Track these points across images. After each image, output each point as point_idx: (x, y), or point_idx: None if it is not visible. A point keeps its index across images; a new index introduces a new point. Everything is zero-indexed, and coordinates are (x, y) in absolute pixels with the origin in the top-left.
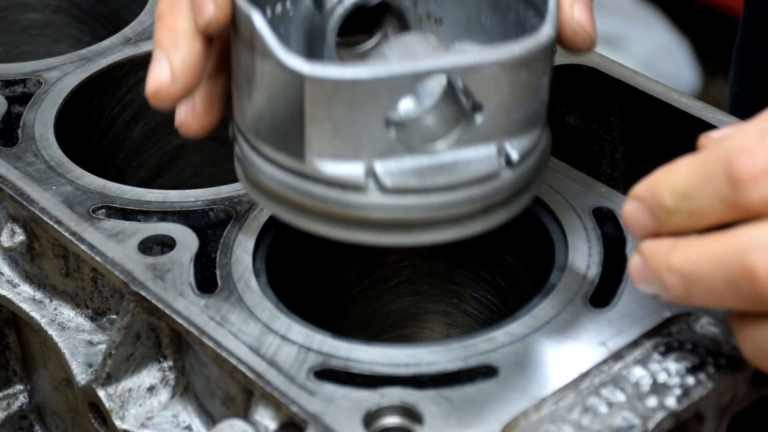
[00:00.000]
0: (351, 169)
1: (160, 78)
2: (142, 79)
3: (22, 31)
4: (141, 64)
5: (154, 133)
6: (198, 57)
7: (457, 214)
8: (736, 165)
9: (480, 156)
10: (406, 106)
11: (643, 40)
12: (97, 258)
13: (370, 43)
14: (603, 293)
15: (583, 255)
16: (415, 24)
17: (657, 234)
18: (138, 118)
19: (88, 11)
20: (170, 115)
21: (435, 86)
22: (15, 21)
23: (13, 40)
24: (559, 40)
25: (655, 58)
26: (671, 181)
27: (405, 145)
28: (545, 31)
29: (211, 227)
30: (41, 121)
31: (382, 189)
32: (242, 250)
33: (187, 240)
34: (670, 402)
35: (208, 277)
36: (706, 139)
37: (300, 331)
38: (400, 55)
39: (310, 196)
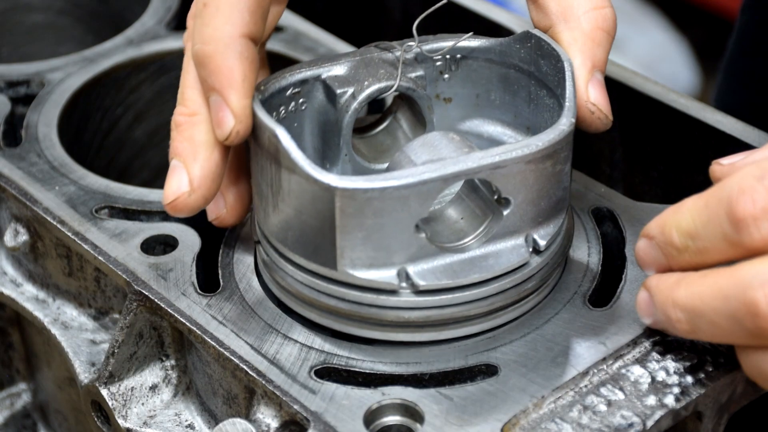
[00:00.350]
0: (384, 274)
1: (179, 188)
2: (145, 80)
3: (26, 33)
4: (143, 65)
5: (157, 134)
6: (217, 168)
7: (489, 307)
8: (737, 206)
9: (509, 247)
10: (435, 207)
11: (641, 42)
12: (100, 258)
13: (381, 126)
14: (602, 293)
15: (582, 254)
16: (425, 107)
17: (669, 269)
18: (140, 119)
19: (91, 13)
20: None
21: (463, 185)
22: (19, 22)
23: (17, 41)
24: (577, 121)
25: (654, 59)
26: (678, 221)
27: (436, 245)
28: (566, 122)
29: (213, 227)
30: (44, 121)
31: (416, 290)
32: (244, 250)
33: (189, 240)
34: (669, 400)
35: (210, 276)
36: (717, 167)
37: (301, 331)
38: (425, 157)
39: (342, 301)
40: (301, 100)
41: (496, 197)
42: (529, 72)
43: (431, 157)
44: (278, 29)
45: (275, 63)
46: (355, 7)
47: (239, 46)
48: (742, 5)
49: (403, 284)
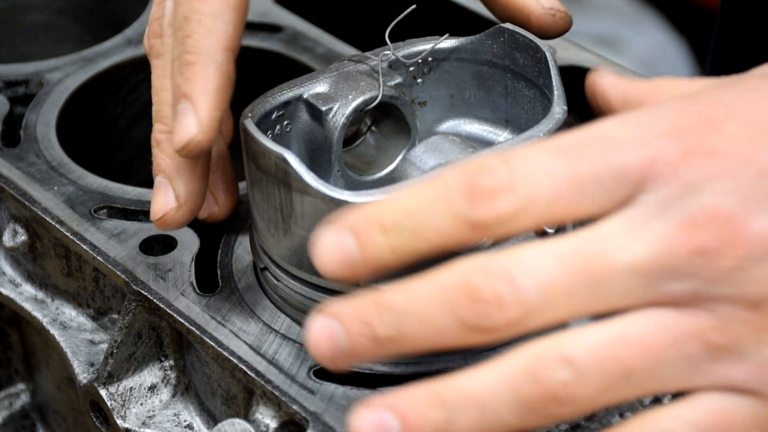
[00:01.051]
0: None
1: (166, 205)
2: (144, 80)
3: (25, 33)
4: (142, 64)
5: None
6: (201, 181)
7: None
8: (477, 178)
9: (520, 241)
10: None
11: (640, 42)
12: (99, 258)
13: (360, 139)
14: None
15: None
16: (408, 113)
17: (352, 267)
18: (139, 119)
19: (90, 12)
20: None
21: None
22: (17, 22)
23: (16, 41)
24: (541, 32)
25: (653, 59)
26: (394, 202)
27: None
28: (559, 110)
29: (212, 227)
30: (43, 121)
31: None
32: (243, 250)
33: (188, 240)
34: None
35: (209, 276)
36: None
37: (300, 331)
38: (432, 163)
39: None
40: (285, 122)
41: None
42: (504, 66)
43: (439, 162)
44: (277, 29)
45: (275, 63)
46: (355, 7)
47: (220, 58)
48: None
49: None
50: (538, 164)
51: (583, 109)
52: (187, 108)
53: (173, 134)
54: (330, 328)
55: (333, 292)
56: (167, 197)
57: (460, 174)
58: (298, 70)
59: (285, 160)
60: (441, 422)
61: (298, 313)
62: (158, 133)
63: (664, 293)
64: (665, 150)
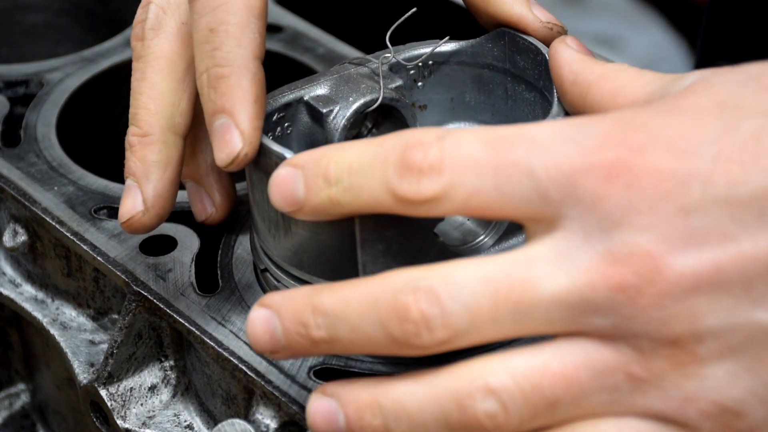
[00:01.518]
0: None
1: (133, 208)
2: None
3: (25, 33)
4: None
5: None
6: (170, 186)
7: None
8: (410, 152)
9: (523, 241)
10: None
11: (640, 41)
12: (99, 258)
13: (360, 139)
14: None
15: None
16: (409, 116)
17: (298, 206)
18: None
19: (90, 13)
20: None
21: None
22: (17, 22)
23: (16, 41)
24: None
25: (653, 59)
26: (342, 153)
27: (453, 249)
28: (558, 111)
29: (212, 227)
30: (43, 121)
31: None
32: (243, 250)
33: (188, 240)
34: None
35: (209, 277)
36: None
37: None
38: None
39: None
40: (286, 124)
41: None
42: (505, 69)
43: None
44: (277, 29)
45: (275, 63)
46: (356, 8)
47: (253, 68)
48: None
49: None
50: (468, 152)
51: None
52: (228, 123)
53: (216, 151)
54: (269, 322)
55: None
56: (135, 200)
57: (398, 142)
58: (298, 70)
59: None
60: (379, 428)
61: None
62: (132, 135)
63: (588, 325)
64: (587, 176)
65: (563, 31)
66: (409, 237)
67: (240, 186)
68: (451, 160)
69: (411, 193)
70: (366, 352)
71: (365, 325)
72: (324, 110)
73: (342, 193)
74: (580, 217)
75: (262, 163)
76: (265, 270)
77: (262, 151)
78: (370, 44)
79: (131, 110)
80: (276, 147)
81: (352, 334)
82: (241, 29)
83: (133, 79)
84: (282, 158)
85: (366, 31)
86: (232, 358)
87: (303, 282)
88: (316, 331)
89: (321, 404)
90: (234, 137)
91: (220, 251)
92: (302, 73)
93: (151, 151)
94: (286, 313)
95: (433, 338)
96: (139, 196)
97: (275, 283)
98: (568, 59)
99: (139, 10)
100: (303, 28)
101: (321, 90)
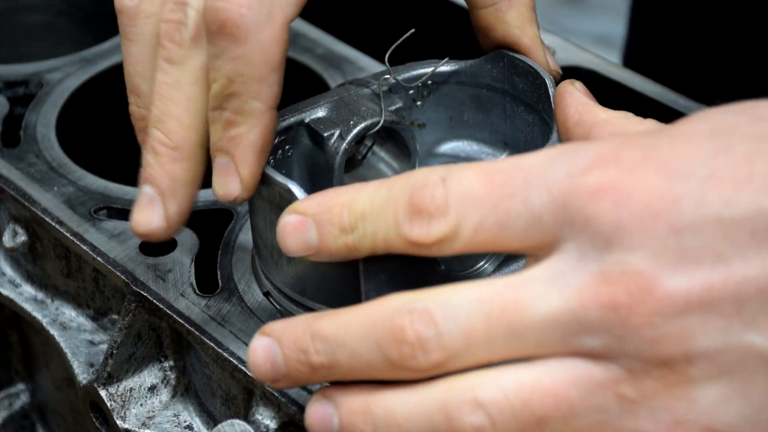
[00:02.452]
0: None
1: (153, 221)
2: None
3: (25, 33)
4: None
5: None
6: (190, 204)
7: None
8: (418, 195)
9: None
10: None
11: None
12: (99, 258)
13: (360, 163)
14: None
15: None
16: (409, 137)
17: (316, 252)
18: None
19: (91, 13)
20: None
21: None
22: (17, 23)
23: (16, 41)
24: None
25: None
26: (353, 198)
27: (453, 275)
28: (556, 138)
29: (212, 228)
30: (43, 122)
31: None
32: (243, 251)
33: (188, 241)
34: None
35: (209, 277)
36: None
37: None
38: None
39: None
40: (287, 147)
41: None
42: (503, 90)
43: None
44: None
45: None
46: (356, 8)
47: (266, 120)
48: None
49: None
50: (469, 188)
51: None
52: (230, 165)
53: (215, 187)
54: (270, 350)
55: None
56: (156, 214)
57: (406, 185)
58: (298, 70)
59: (290, 191)
60: None
61: None
62: (159, 144)
63: (580, 345)
64: (576, 196)
65: (559, 74)
66: (412, 266)
67: None
68: (454, 199)
69: (422, 236)
70: (364, 377)
71: (363, 349)
72: (325, 134)
73: (358, 240)
74: (574, 238)
75: (265, 192)
76: (268, 293)
77: (265, 179)
78: (370, 44)
79: (158, 115)
80: (280, 178)
81: (351, 358)
82: (260, 83)
83: (162, 81)
84: (286, 189)
85: (366, 30)
86: (231, 359)
87: (306, 308)
88: (316, 357)
89: (319, 407)
90: (233, 181)
91: (219, 252)
92: (302, 73)
93: (181, 168)
94: (286, 341)
95: (429, 360)
96: (162, 211)
97: (277, 307)
98: (576, 101)
99: (172, 7)
100: (302, 28)
101: (321, 113)
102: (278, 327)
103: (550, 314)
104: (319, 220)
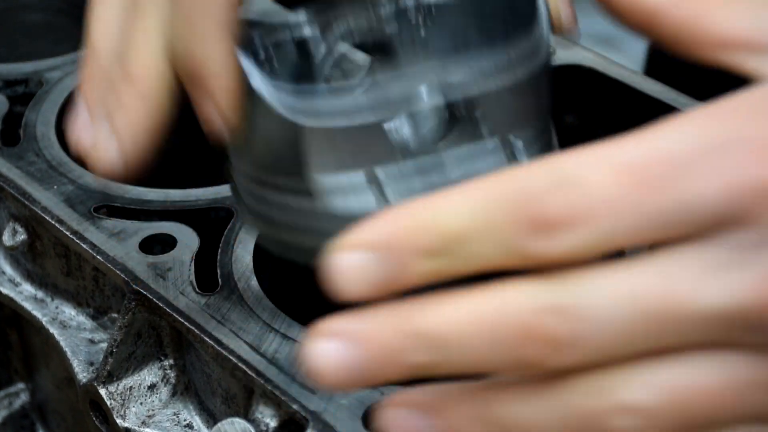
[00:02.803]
0: (353, 178)
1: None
2: None
3: (24, 32)
4: None
5: None
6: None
7: None
8: (528, 208)
9: (484, 150)
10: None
11: (640, 41)
12: (99, 257)
13: None
14: None
15: None
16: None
17: (385, 291)
18: None
19: None
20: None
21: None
22: (17, 22)
23: (15, 40)
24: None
25: None
26: (440, 218)
27: (406, 151)
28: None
29: (212, 226)
30: (43, 120)
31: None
32: (243, 249)
33: (188, 239)
34: None
35: (208, 276)
36: None
37: (300, 330)
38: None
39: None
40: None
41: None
42: None
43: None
44: None
45: None
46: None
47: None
48: None
49: (374, 188)
50: (599, 191)
51: (583, 109)
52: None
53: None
54: (346, 354)
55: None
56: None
57: (509, 196)
58: None
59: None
60: None
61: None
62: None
63: (737, 339)
64: (746, 187)
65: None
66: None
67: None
68: (581, 203)
69: (544, 252)
70: (474, 374)
71: (479, 347)
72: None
73: (450, 265)
74: (737, 233)
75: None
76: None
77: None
78: None
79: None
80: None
81: (464, 357)
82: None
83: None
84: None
85: None
86: (231, 357)
87: (272, 186)
88: (414, 357)
89: (401, 418)
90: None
91: (219, 250)
92: None
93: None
94: (373, 342)
95: (561, 361)
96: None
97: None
98: None
99: None
100: None
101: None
102: (357, 326)
103: (707, 310)
104: (395, 251)
